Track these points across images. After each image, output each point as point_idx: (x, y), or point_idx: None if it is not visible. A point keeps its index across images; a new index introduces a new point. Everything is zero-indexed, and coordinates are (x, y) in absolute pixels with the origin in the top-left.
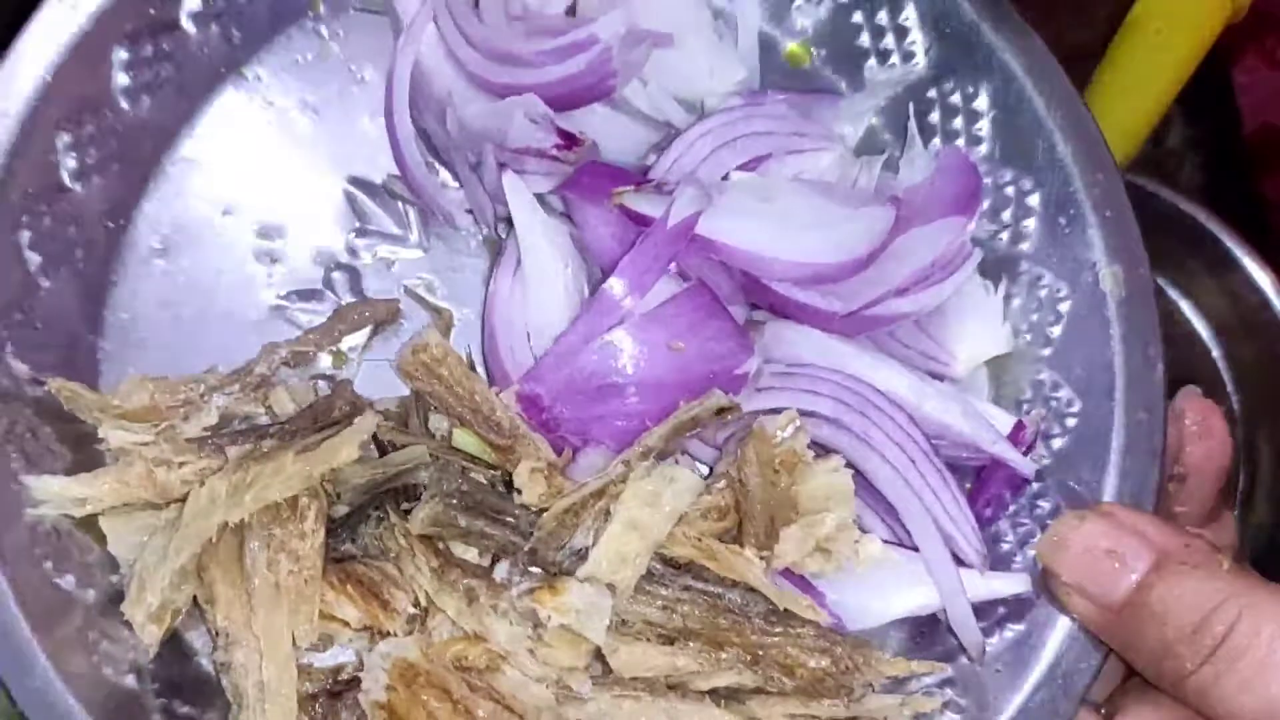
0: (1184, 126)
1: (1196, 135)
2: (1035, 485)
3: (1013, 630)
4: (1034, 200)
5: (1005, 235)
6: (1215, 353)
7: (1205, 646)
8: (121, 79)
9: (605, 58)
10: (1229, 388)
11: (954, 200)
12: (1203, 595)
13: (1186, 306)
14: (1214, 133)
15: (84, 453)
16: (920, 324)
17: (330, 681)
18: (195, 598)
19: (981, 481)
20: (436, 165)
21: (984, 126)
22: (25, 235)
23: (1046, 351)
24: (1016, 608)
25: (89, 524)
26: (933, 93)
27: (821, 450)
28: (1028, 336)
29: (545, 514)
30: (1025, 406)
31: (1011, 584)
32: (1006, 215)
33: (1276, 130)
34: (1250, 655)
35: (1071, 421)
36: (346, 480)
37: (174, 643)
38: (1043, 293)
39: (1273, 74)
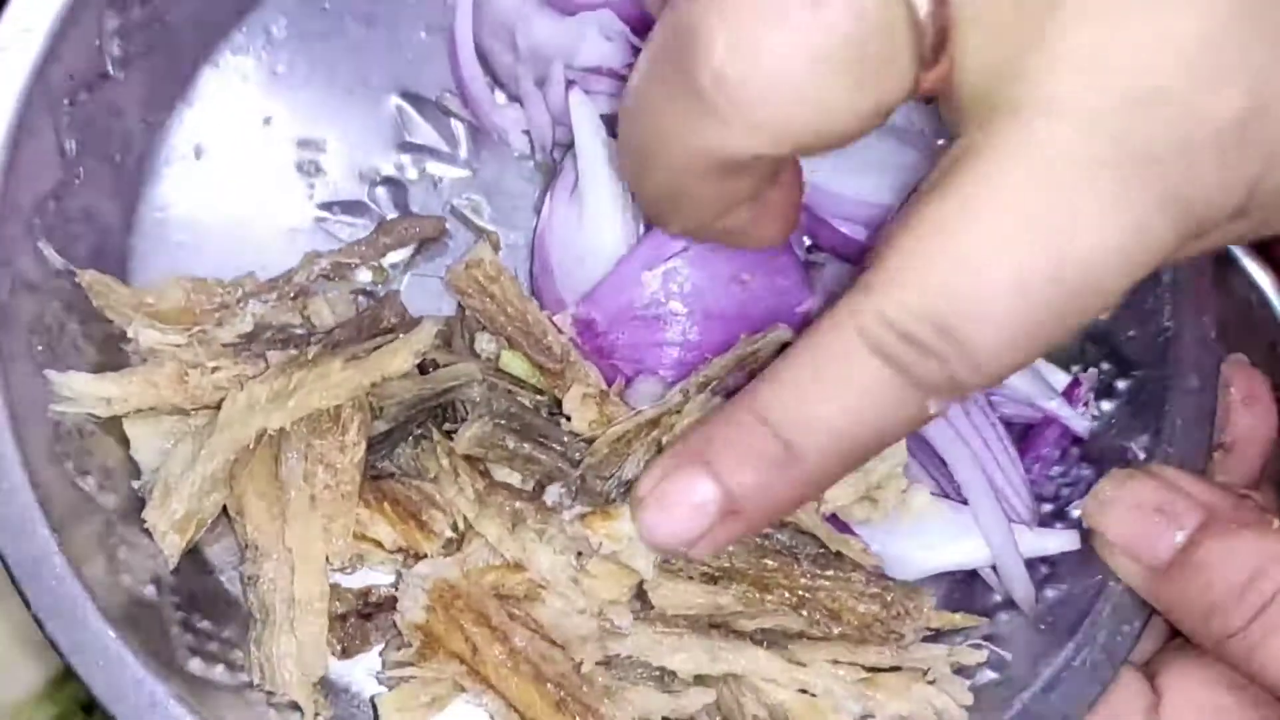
0: None
1: None
2: (1084, 447)
3: (1055, 590)
4: None
5: None
6: None
7: (1253, 605)
8: None
9: None
10: None
11: None
12: (1252, 554)
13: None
14: None
15: (111, 354)
16: None
17: (361, 603)
18: (222, 510)
19: (1032, 439)
20: (494, 85)
21: None
22: (65, 120)
23: (1102, 315)
24: (1060, 568)
25: (113, 427)
26: None
27: None
28: None
29: (597, 440)
30: (1077, 369)
31: (1061, 540)
32: None
33: None
34: None
35: (1123, 384)
36: (391, 395)
37: (195, 557)
38: None
39: None
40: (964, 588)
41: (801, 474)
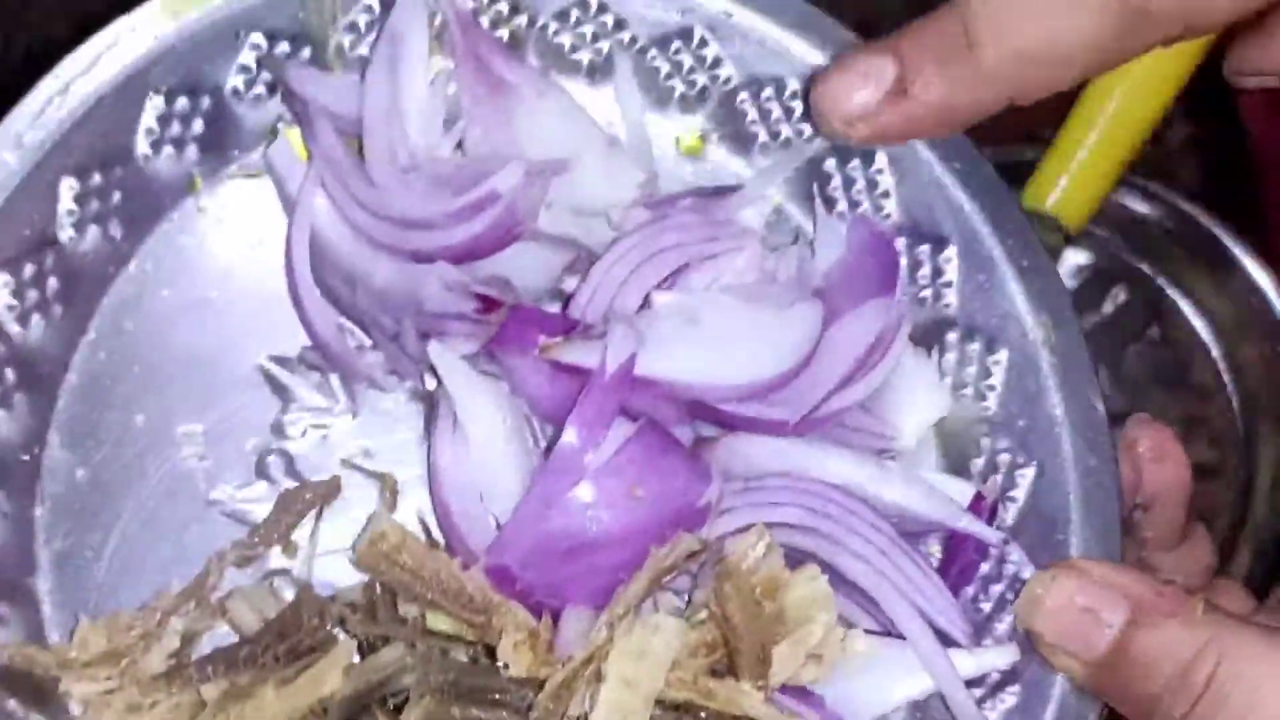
0: (1184, 127)
1: (1196, 136)
2: (1003, 547)
3: (1011, 694)
4: (950, 258)
5: (928, 297)
6: (1215, 353)
7: (1190, 696)
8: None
9: (510, 209)
10: (1229, 388)
11: (875, 277)
12: (1181, 644)
13: (1187, 307)
14: (1215, 133)
15: (47, 704)
16: (862, 403)
17: None
18: None
19: (949, 552)
20: (351, 328)
21: (888, 191)
22: None
23: (989, 408)
24: (1010, 673)
25: None
26: (830, 164)
27: (793, 556)
28: (967, 395)
29: (540, 694)
30: (975, 466)
31: (1001, 656)
32: (924, 275)
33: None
34: (1235, 700)
35: (1025, 476)
36: (330, 696)
37: None
38: (974, 349)
39: None
40: (924, 707)
41: (973, 72)
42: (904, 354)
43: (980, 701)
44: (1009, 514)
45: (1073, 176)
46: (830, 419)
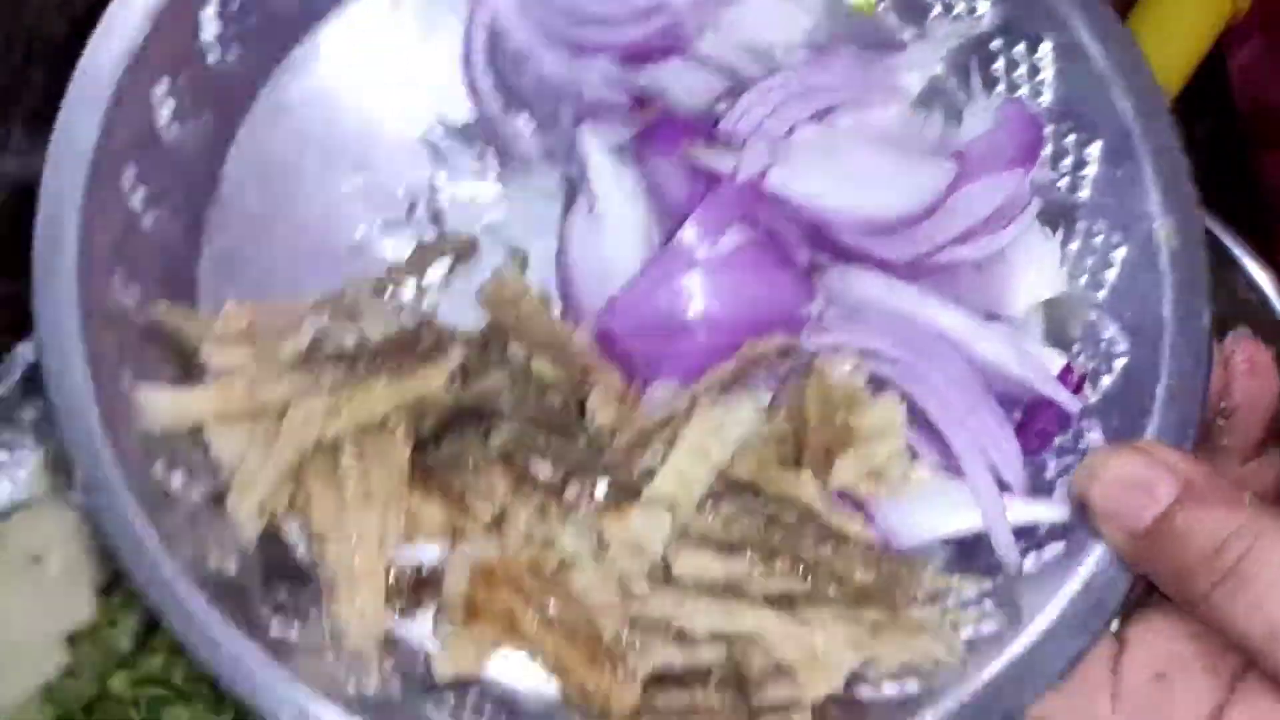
0: (1181, 128)
1: (1194, 137)
2: (1081, 423)
3: (1051, 551)
4: (1092, 151)
5: (1064, 184)
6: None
7: (1220, 570)
8: (209, 32)
9: (677, 22)
10: None
11: (1015, 152)
12: (1221, 524)
13: None
14: (1212, 134)
15: (190, 369)
16: (979, 266)
17: (413, 578)
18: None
19: (1029, 416)
20: (514, 110)
21: (1045, 78)
22: (128, 176)
23: (1100, 296)
24: (1057, 531)
25: (195, 432)
26: (996, 44)
27: (878, 385)
28: (1082, 282)
29: (617, 436)
30: (1076, 347)
31: (1051, 511)
32: (1065, 164)
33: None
34: (1261, 579)
35: (1119, 364)
36: (433, 402)
37: (271, 537)
38: (1098, 240)
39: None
40: (970, 547)
41: None
42: (1029, 229)
43: (1022, 552)
44: (1094, 396)
45: None
46: (943, 271)
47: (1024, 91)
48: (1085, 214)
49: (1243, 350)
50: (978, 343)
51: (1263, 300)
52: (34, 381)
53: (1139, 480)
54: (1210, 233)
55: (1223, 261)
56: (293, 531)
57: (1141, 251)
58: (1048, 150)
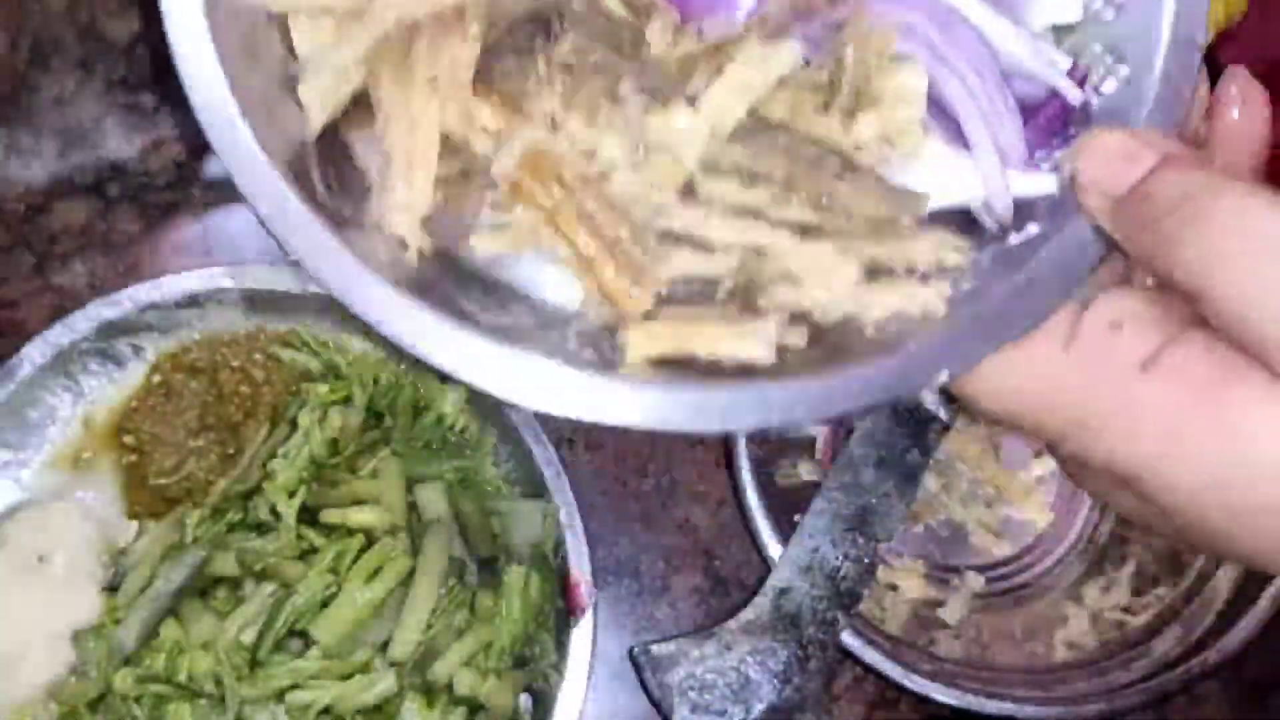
0: None
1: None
2: (1077, 126)
3: (1035, 225)
4: None
5: None
6: None
7: (1180, 218)
8: None
9: None
10: None
11: None
12: (1191, 183)
13: None
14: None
15: None
16: None
17: (463, 163)
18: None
19: (1033, 111)
20: None
21: None
22: None
23: (1109, 19)
24: (1042, 209)
25: (280, 26)
26: None
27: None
28: (1095, 7)
29: (667, 55)
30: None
31: (1041, 183)
32: None
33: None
34: (1208, 217)
35: (1113, 84)
36: (503, 11)
37: (336, 140)
38: None
39: None
40: (963, 228)
41: None
42: None
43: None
44: (1095, 102)
45: None
46: None
47: None
48: None
49: (1239, 82)
50: (999, 34)
51: None
52: None
53: (1124, 151)
54: None
55: None
56: (356, 141)
57: None
58: None
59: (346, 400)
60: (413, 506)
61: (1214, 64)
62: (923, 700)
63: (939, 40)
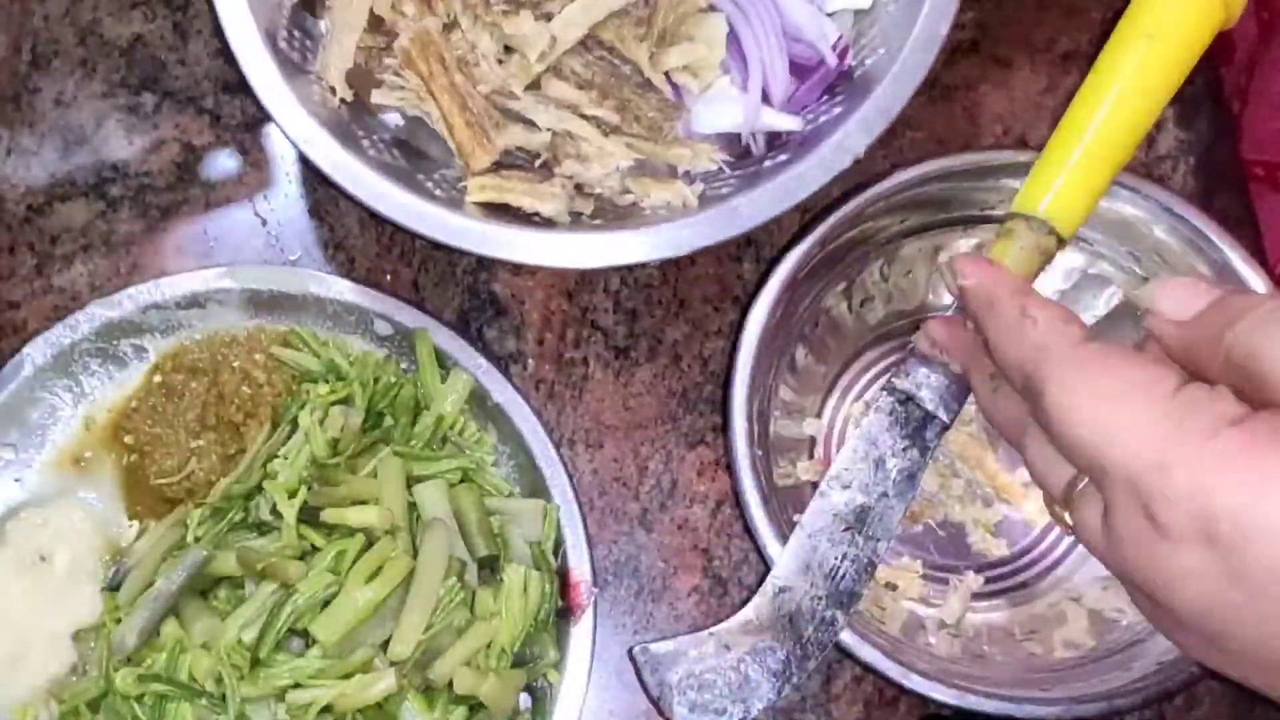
0: (1176, 130)
1: (1190, 139)
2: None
3: (785, 155)
4: None
5: None
6: None
7: (1254, 314)
8: None
9: None
10: None
11: None
12: (1260, 298)
13: None
14: (1207, 134)
15: None
16: None
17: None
18: None
19: (808, 72)
20: None
21: None
22: None
23: (890, 13)
24: (794, 144)
25: None
26: None
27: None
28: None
29: None
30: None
31: (789, 122)
32: None
33: None
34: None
35: (873, 58)
36: None
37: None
38: None
39: None
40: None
41: None
42: None
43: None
44: (858, 71)
45: (1065, 182)
46: None
47: None
48: None
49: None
50: (788, 3)
51: None
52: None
53: (1192, 289)
54: (1204, 234)
55: (1219, 266)
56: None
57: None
58: None
59: (347, 400)
60: (413, 506)
61: (1215, 71)
62: (922, 700)
63: (744, 1)
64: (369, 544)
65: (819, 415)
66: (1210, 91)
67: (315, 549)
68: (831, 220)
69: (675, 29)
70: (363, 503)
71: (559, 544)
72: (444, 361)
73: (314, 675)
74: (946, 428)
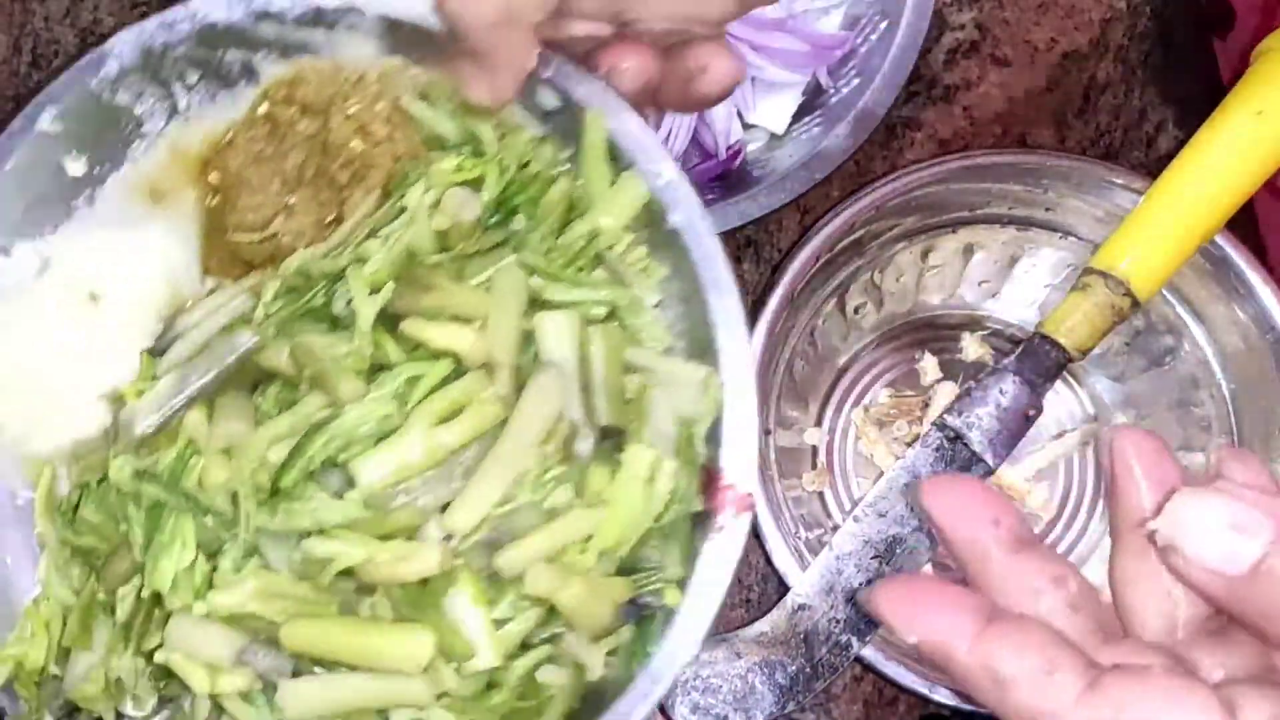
0: (1176, 130)
1: (1188, 139)
2: None
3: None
4: None
5: None
6: (1219, 375)
7: None
8: None
9: None
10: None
11: None
12: None
13: (1187, 315)
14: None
15: None
16: None
17: None
18: None
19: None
20: None
21: None
22: None
23: None
24: None
25: None
26: None
27: None
28: None
29: None
30: None
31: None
32: None
33: None
34: None
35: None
36: None
37: None
38: None
39: None
40: None
41: None
42: None
43: None
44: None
45: (1151, 246)
46: None
47: None
48: None
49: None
50: None
51: (1261, 310)
52: None
53: (1234, 522)
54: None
55: (1231, 283)
56: None
57: None
58: None
59: (477, 183)
60: (528, 339)
61: (1215, 71)
62: (922, 700)
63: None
64: (456, 375)
65: (819, 424)
66: (1211, 91)
67: (387, 367)
68: (834, 224)
69: None
70: (460, 320)
71: (714, 427)
72: (619, 158)
73: (341, 525)
74: (990, 472)
